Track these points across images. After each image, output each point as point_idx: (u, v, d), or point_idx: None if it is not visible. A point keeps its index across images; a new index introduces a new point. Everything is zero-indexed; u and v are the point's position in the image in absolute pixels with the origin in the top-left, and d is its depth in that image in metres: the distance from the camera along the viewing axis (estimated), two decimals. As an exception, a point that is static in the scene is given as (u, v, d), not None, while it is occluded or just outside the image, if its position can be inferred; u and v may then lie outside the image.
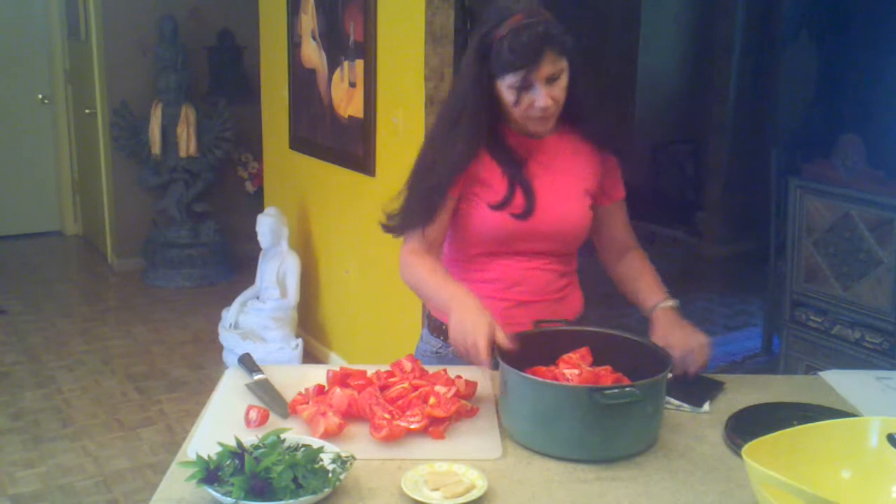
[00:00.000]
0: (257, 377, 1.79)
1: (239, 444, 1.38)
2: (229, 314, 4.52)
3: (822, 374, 1.91)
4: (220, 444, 1.37)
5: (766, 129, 5.77)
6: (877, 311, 3.33)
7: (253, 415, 1.60)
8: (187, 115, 5.67)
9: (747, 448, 1.30)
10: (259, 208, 4.84)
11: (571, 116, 1.89)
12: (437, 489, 1.38)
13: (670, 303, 1.90)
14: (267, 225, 4.45)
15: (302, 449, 1.42)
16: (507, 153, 1.87)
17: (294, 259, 4.45)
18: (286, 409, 1.65)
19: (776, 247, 4.23)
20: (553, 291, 1.96)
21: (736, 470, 1.48)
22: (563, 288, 1.99)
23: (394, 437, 1.51)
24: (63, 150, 6.95)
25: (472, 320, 1.64)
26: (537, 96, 1.75)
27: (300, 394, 1.67)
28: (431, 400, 1.59)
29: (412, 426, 1.54)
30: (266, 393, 1.72)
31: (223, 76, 6.08)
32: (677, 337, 1.79)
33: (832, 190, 3.46)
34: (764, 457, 1.29)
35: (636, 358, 1.65)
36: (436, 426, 1.56)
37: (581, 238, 1.97)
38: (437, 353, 2.00)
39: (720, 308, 5.37)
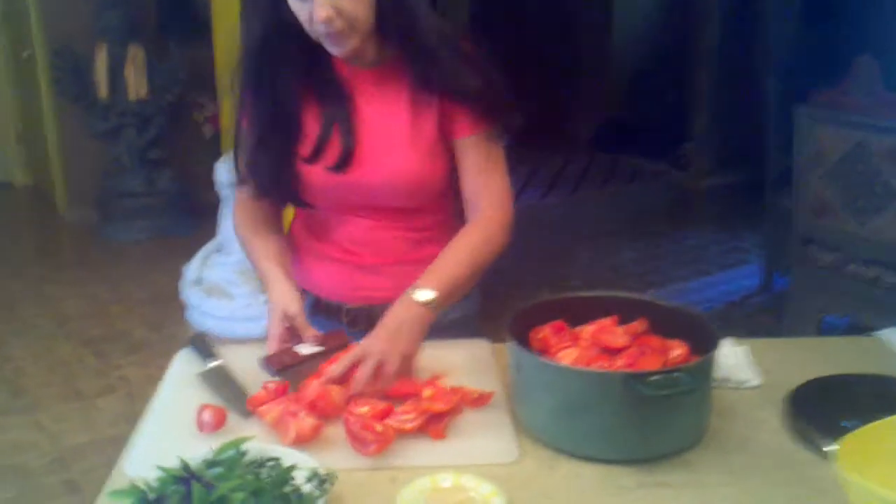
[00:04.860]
0: (212, 364, 1.48)
1: (185, 466, 1.07)
2: (191, 269, 4.20)
3: (878, 333, 1.63)
4: (161, 469, 1.06)
5: (757, 53, 5.45)
6: None
7: (206, 416, 1.29)
8: (135, 55, 5.31)
9: (838, 452, 1.02)
10: (218, 154, 4.48)
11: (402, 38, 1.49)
12: (442, 511, 1.09)
13: (421, 294, 1.42)
14: (226, 172, 4.09)
15: (268, 465, 1.12)
16: (326, 87, 1.52)
17: (258, 208, 4.12)
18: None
19: (776, 179, 3.98)
20: (406, 251, 1.60)
21: (807, 465, 1.20)
22: (425, 244, 1.60)
23: (385, 447, 1.21)
24: (5, 97, 6.49)
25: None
26: (315, 6, 1.39)
27: (264, 388, 1.36)
28: (427, 391, 1.29)
29: (407, 426, 1.24)
30: (223, 384, 1.41)
31: (172, 12, 5.66)
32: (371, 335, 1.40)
33: (844, 118, 3.18)
34: (853, 458, 1.02)
35: (673, 329, 1.35)
36: (435, 424, 1.26)
37: (434, 188, 1.56)
38: None
39: (712, 245, 5.10)
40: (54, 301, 4.57)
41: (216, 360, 1.49)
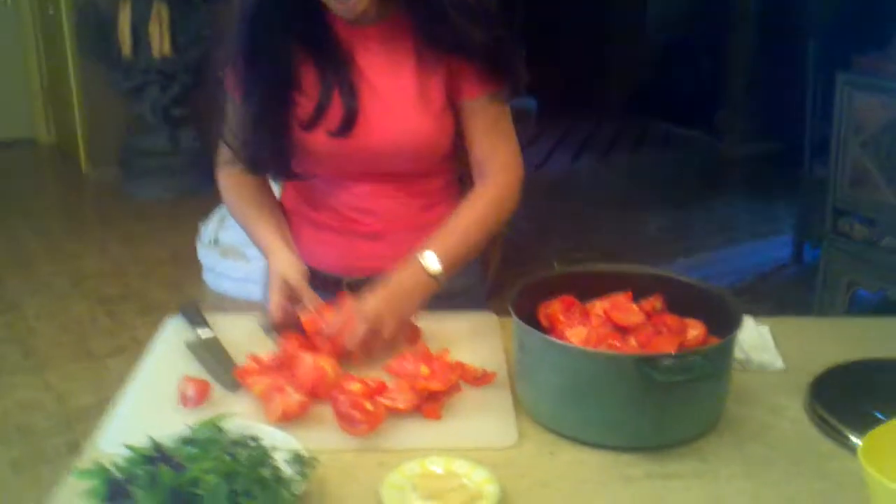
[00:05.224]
0: (203, 334, 1.40)
1: (155, 445, 0.99)
2: (207, 230, 4.14)
3: (914, 314, 1.53)
4: (129, 448, 0.99)
5: (796, 17, 5.26)
6: (934, 221, 2.95)
7: (189, 390, 1.22)
8: (159, 11, 5.22)
9: (864, 446, 0.93)
10: (241, 113, 4.40)
11: None
12: (429, 499, 1.01)
13: (430, 263, 1.37)
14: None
15: (248, 445, 1.04)
16: (324, 46, 1.43)
17: (277, 168, 4.04)
18: (236, 380, 1.27)
19: (813, 148, 3.84)
20: (410, 217, 1.51)
21: (831, 458, 1.11)
22: (428, 209, 1.52)
23: (375, 428, 1.13)
24: (30, 53, 6.44)
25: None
26: None
27: (252, 358, 1.28)
28: (423, 369, 1.21)
29: (399, 405, 1.16)
30: (212, 356, 1.34)
31: (197, -33, 5.54)
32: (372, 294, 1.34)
33: (886, 85, 3.04)
34: (881, 453, 0.93)
35: (690, 306, 1.26)
36: (430, 403, 1.18)
37: (440, 152, 1.47)
38: None
39: (744, 214, 4.98)
40: (73, 259, 4.54)
41: (207, 329, 1.42)
